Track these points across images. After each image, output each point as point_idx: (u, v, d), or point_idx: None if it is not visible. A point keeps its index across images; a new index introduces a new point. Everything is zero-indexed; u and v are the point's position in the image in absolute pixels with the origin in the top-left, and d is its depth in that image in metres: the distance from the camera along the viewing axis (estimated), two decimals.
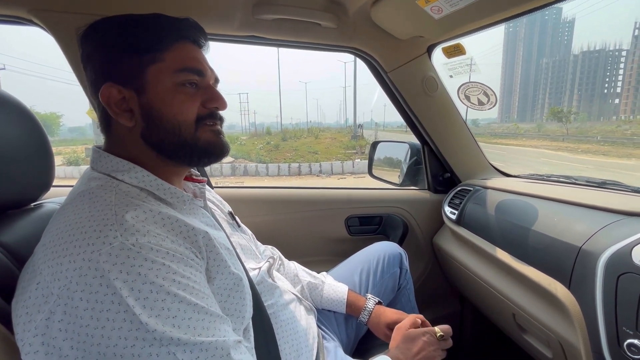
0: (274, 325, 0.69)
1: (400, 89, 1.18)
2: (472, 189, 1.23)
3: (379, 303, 0.91)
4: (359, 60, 1.20)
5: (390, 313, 0.88)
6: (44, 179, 0.64)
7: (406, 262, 1.08)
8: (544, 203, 0.94)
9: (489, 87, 1.06)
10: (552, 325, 0.79)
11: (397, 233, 1.38)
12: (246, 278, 0.58)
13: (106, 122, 0.55)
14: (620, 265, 0.63)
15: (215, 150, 0.58)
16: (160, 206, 0.50)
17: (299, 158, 17.17)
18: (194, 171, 0.70)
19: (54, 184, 0.68)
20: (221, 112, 0.60)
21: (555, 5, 0.81)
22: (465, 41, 1.03)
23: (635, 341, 0.57)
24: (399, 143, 1.54)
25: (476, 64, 1.05)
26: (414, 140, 1.42)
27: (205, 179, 0.71)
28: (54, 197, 0.73)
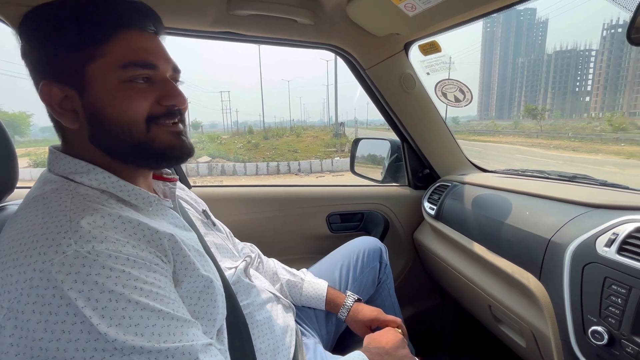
0: (250, 325, 0.68)
1: (379, 86, 1.19)
2: (450, 184, 1.25)
3: (358, 300, 0.92)
4: (339, 59, 1.19)
5: (368, 311, 0.88)
6: (6, 181, 0.61)
7: (386, 257, 1.09)
8: (518, 197, 0.96)
9: (464, 84, 1.08)
10: (525, 315, 0.81)
11: (378, 229, 1.39)
12: (218, 279, 0.57)
13: (56, 124, 0.52)
14: (585, 255, 0.65)
15: (174, 152, 0.53)
16: (122, 209, 0.48)
17: (279, 157, 17.12)
18: (166, 169, 0.67)
19: (19, 185, 0.65)
20: (184, 107, 0.54)
21: (530, 6, 0.83)
22: (444, 40, 1.04)
23: (599, 328, 0.60)
24: (380, 140, 1.55)
25: (454, 62, 1.07)
26: (395, 137, 1.43)
27: (177, 177, 0.68)
28: (19, 200, 0.70)
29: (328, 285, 0.93)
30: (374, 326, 0.87)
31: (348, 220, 1.39)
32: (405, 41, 1.11)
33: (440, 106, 1.25)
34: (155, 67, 0.50)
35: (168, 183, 0.66)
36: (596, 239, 0.65)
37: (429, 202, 1.30)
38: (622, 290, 0.58)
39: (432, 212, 1.24)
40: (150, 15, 0.51)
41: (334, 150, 17.64)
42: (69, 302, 0.36)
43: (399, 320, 0.87)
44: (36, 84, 0.49)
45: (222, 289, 0.57)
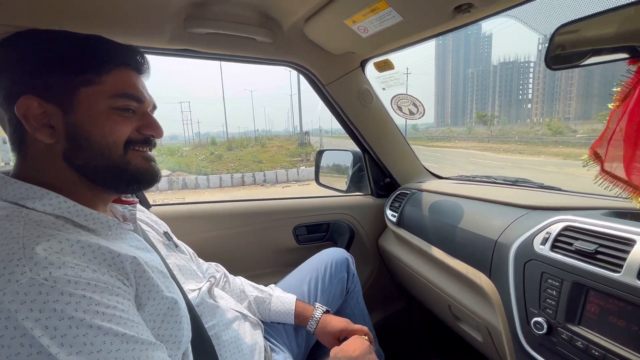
0: (216, 347, 0.68)
1: (338, 101, 1.23)
2: (409, 192, 1.32)
3: (327, 312, 0.93)
4: (288, 71, 1.22)
5: (336, 321, 0.90)
6: None
7: (353, 266, 1.12)
8: (469, 202, 1.04)
9: (417, 99, 1.16)
10: (480, 312, 0.88)
11: (344, 238, 1.42)
12: (183, 301, 0.57)
13: (20, 139, 0.51)
14: (525, 254, 0.72)
15: (145, 177, 0.57)
16: (80, 234, 0.47)
17: (243, 168, 16.90)
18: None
19: None
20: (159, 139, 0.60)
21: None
22: (402, 53, 1.12)
23: (539, 319, 0.66)
24: (343, 151, 1.60)
25: (411, 72, 1.15)
26: (357, 148, 1.49)
27: (136, 200, 0.67)
28: None
29: (297, 299, 0.94)
30: (342, 337, 0.89)
31: (314, 231, 1.41)
32: (361, 59, 1.17)
33: (396, 117, 1.34)
34: (142, 100, 0.56)
35: (127, 206, 0.65)
36: (534, 238, 0.72)
37: (390, 209, 1.36)
38: (556, 283, 0.65)
39: (394, 219, 1.30)
40: (143, 59, 0.59)
41: (300, 160, 17.75)
42: (23, 332, 0.35)
43: (365, 328, 0.90)
44: (12, 98, 0.49)
45: (186, 311, 0.56)
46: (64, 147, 0.50)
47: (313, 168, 1.63)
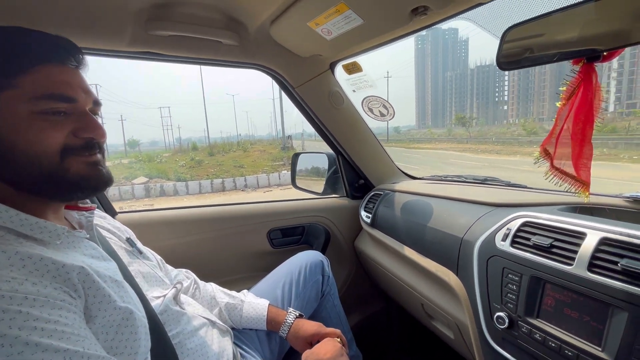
0: (180, 355, 0.66)
1: (309, 104, 1.23)
2: (382, 193, 1.33)
3: (300, 316, 0.92)
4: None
5: (308, 326, 0.89)
6: None
7: (328, 269, 1.11)
8: (439, 201, 1.06)
9: (387, 101, 1.18)
10: (449, 309, 0.89)
11: (320, 241, 1.42)
12: (142, 310, 0.55)
13: None
14: (488, 250, 0.74)
15: (89, 183, 0.52)
16: (22, 245, 0.45)
17: (224, 173, 16.61)
18: None
19: None
20: (103, 140, 0.54)
21: (452, 26, 0.95)
22: (380, 55, 1.14)
23: (501, 313, 0.68)
24: (318, 154, 1.60)
25: (391, 76, 1.17)
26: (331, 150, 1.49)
27: (94, 206, 0.65)
28: None
29: (269, 304, 0.92)
30: (315, 340, 0.88)
31: (289, 235, 1.40)
32: (329, 61, 1.18)
33: (368, 120, 1.35)
34: (74, 100, 0.50)
35: (84, 212, 0.63)
36: (495, 234, 0.74)
37: (365, 210, 1.37)
38: (516, 278, 0.67)
39: (368, 220, 1.31)
40: (72, 50, 0.52)
41: (282, 164, 17.62)
42: None
43: (338, 331, 0.89)
44: None
45: (144, 320, 0.55)
46: None
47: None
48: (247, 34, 0.99)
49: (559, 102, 0.60)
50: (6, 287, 0.38)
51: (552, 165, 0.62)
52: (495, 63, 0.67)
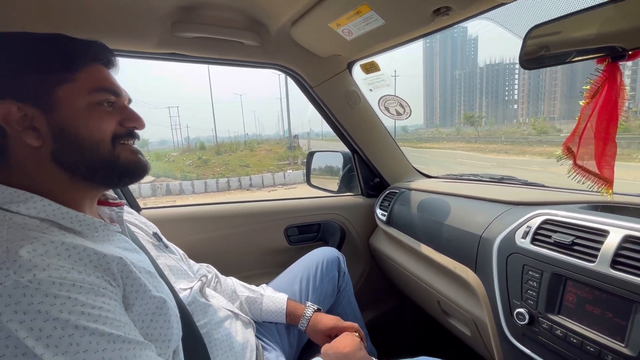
0: (208, 345, 0.68)
1: (327, 103, 1.25)
2: (398, 191, 1.34)
3: (318, 310, 0.94)
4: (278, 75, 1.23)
5: (327, 320, 0.91)
6: None
7: (344, 265, 1.13)
8: (456, 200, 1.07)
9: (403, 100, 1.19)
10: (467, 306, 0.90)
11: (335, 238, 1.44)
12: (172, 300, 0.58)
13: (1, 145, 0.51)
14: (508, 247, 0.75)
15: (136, 169, 0.58)
16: (65, 236, 0.47)
17: (230, 172, 16.63)
18: (110, 194, 0.67)
19: None
20: (142, 130, 0.61)
21: (460, 25, 0.95)
22: (388, 54, 1.14)
23: (521, 310, 0.69)
24: (333, 152, 1.62)
25: (399, 75, 1.18)
26: (347, 149, 1.50)
27: (124, 201, 0.68)
28: None
29: (288, 298, 0.95)
30: (333, 334, 0.90)
31: (306, 232, 1.42)
32: (347, 61, 1.19)
33: (384, 118, 1.36)
34: (119, 94, 0.57)
35: (114, 208, 0.65)
36: (515, 232, 0.75)
37: (380, 208, 1.39)
38: (536, 275, 0.67)
39: (384, 218, 1.32)
40: (112, 54, 0.59)
41: (287, 163, 17.55)
42: (8, 334, 0.35)
43: (356, 325, 0.91)
44: None
45: (176, 310, 0.57)
46: (52, 148, 0.51)
47: (300, 171, 1.64)
48: (268, 34, 1.02)
49: (583, 101, 0.61)
50: (56, 274, 0.41)
51: (575, 163, 0.63)
52: (517, 62, 0.68)
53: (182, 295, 0.71)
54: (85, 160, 0.53)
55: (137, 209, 1.13)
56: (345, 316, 1.09)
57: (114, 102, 0.56)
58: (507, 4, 0.75)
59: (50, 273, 0.40)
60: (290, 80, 1.22)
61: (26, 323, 0.36)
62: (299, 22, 0.94)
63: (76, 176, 0.53)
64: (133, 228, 0.74)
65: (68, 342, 0.38)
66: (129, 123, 0.57)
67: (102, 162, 0.54)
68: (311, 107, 1.32)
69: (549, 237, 0.68)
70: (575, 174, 0.64)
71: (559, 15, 0.62)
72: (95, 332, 0.40)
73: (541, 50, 0.65)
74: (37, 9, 0.76)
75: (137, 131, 0.60)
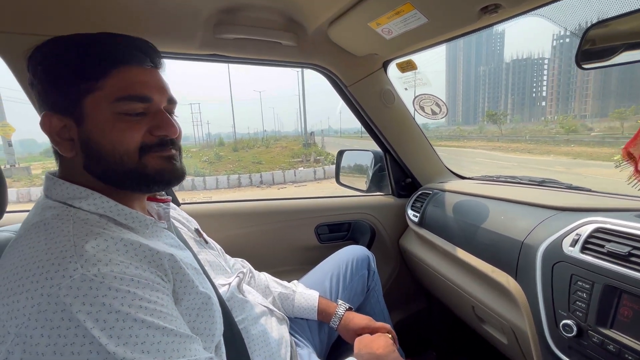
0: (246, 340, 0.70)
1: (361, 102, 1.24)
2: (431, 192, 1.31)
3: (350, 309, 0.95)
4: (306, 70, 1.23)
5: (359, 319, 0.91)
6: None
7: (374, 264, 1.13)
8: (493, 203, 1.03)
9: (439, 98, 1.16)
10: (505, 314, 0.87)
11: (365, 238, 1.43)
12: (215, 296, 0.59)
13: (53, 149, 0.54)
14: (554, 255, 0.72)
15: (164, 177, 0.55)
16: (122, 232, 0.50)
17: (242, 169, 16.37)
18: None
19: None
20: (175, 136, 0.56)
21: None
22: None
23: (569, 321, 0.65)
24: (364, 151, 1.61)
25: (424, 73, 1.15)
26: (377, 148, 1.49)
27: (170, 198, 0.70)
28: (9, 225, 0.70)
29: (319, 296, 0.96)
30: (365, 334, 0.90)
31: (336, 231, 1.42)
32: (383, 60, 1.18)
33: (416, 117, 1.33)
34: (150, 99, 0.52)
35: (162, 204, 0.67)
36: (562, 240, 0.71)
37: (412, 209, 1.36)
38: (587, 286, 0.64)
39: (416, 220, 1.30)
40: (148, 51, 0.54)
41: (299, 161, 17.25)
42: (77, 324, 0.37)
43: (388, 326, 0.91)
44: (39, 114, 0.52)
45: (218, 305, 0.59)
46: (82, 158, 0.51)
47: (311, 169, 1.64)
48: (305, 35, 1.02)
49: None
50: (117, 269, 0.43)
51: (636, 169, 0.59)
52: (573, 60, 0.64)
53: (221, 290, 0.73)
54: (112, 171, 0.51)
55: (177, 203, 1.17)
56: (374, 315, 1.09)
57: (145, 108, 0.52)
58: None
59: (112, 268, 0.42)
60: (306, 76, 1.21)
61: (92, 314, 0.38)
62: (337, 22, 0.94)
63: (109, 184, 0.53)
64: (177, 224, 0.77)
65: (128, 333, 0.39)
66: (159, 131, 0.53)
67: (128, 172, 0.52)
68: (341, 104, 1.31)
69: (602, 246, 0.64)
70: (636, 180, 0.60)
71: (620, 13, 0.58)
72: (152, 325, 0.42)
73: (600, 50, 0.61)
74: (84, 15, 0.79)
75: (171, 138, 0.55)
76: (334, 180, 1.63)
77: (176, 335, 0.44)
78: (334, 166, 1.66)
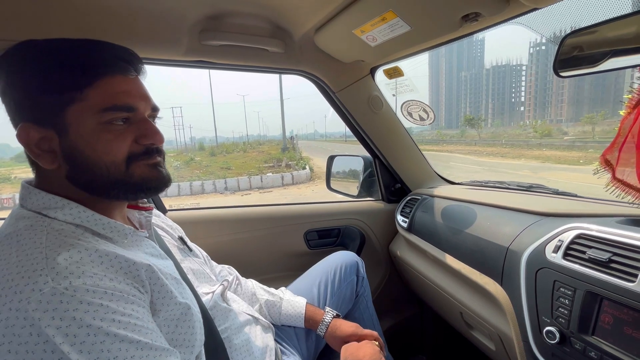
0: (228, 350, 0.69)
1: (349, 108, 1.25)
2: (420, 197, 1.32)
3: (337, 316, 0.94)
4: (283, 76, 1.23)
5: (346, 326, 0.90)
6: None
7: (363, 270, 1.12)
8: (480, 208, 1.03)
9: (427, 105, 1.17)
10: (492, 319, 0.87)
11: (355, 243, 1.42)
12: (196, 305, 0.59)
13: (30, 160, 0.52)
14: (537, 261, 0.72)
15: (151, 184, 0.54)
16: (98, 243, 0.49)
17: (208, 175, 15.93)
18: None
19: None
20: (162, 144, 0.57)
21: None
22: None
23: (552, 328, 0.65)
24: (354, 157, 1.60)
25: (410, 79, 1.16)
26: (366, 153, 1.49)
27: (152, 205, 0.69)
28: None
29: (307, 303, 0.95)
30: (352, 341, 0.89)
31: (325, 237, 1.42)
32: (370, 66, 1.18)
33: (405, 123, 1.34)
34: (134, 109, 0.52)
35: (144, 212, 0.66)
36: (545, 246, 0.72)
37: (401, 215, 1.36)
38: (569, 292, 0.64)
39: (405, 225, 1.30)
40: (131, 60, 0.53)
41: (270, 166, 16.89)
42: (46, 339, 0.37)
43: (375, 333, 0.90)
44: (14, 124, 0.50)
45: (199, 315, 0.58)
46: (66, 169, 0.50)
47: (279, 175, 1.63)
48: (292, 41, 1.02)
49: (623, 111, 0.58)
50: (90, 281, 0.42)
51: (614, 177, 0.60)
52: (551, 68, 0.65)
53: (204, 299, 0.72)
54: (98, 181, 0.51)
55: (163, 210, 1.15)
56: (363, 322, 1.08)
57: (129, 117, 0.51)
58: (540, 8, 0.73)
59: (84, 280, 0.41)
60: (293, 79, 1.21)
61: (62, 329, 0.37)
62: (322, 29, 0.94)
63: (93, 194, 0.52)
64: (160, 231, 0.76)
65: (99, 348, 0.39)
66: (145, 140, 0.53)
67: (115, 182, 0.51)
68: (313, 109, 1.31)
69: (583, 252, 0.64)
70: (614, 187, 0.61)
71: (597, 22, 0.60)
72: (125, 339, 0.41)
73: (577, 58, 0.62)
74: (68, 18, 0.76)
75: (157, 146, 0.55)
76: (301, 186, 1.62)
77: (151, 349, 0.43)
78: (304, 171, 1.65)
